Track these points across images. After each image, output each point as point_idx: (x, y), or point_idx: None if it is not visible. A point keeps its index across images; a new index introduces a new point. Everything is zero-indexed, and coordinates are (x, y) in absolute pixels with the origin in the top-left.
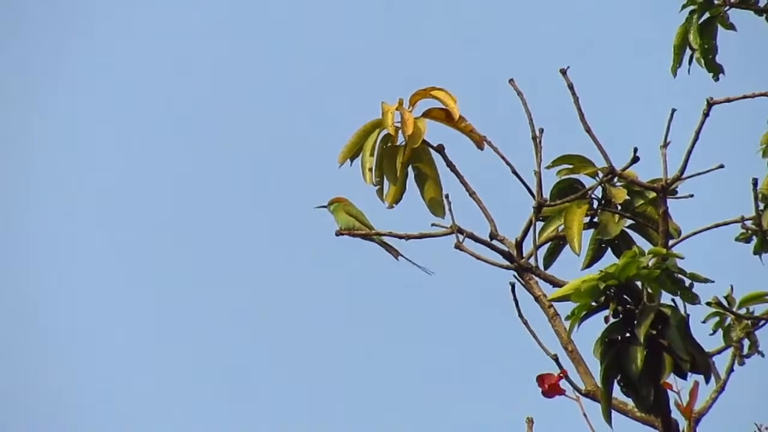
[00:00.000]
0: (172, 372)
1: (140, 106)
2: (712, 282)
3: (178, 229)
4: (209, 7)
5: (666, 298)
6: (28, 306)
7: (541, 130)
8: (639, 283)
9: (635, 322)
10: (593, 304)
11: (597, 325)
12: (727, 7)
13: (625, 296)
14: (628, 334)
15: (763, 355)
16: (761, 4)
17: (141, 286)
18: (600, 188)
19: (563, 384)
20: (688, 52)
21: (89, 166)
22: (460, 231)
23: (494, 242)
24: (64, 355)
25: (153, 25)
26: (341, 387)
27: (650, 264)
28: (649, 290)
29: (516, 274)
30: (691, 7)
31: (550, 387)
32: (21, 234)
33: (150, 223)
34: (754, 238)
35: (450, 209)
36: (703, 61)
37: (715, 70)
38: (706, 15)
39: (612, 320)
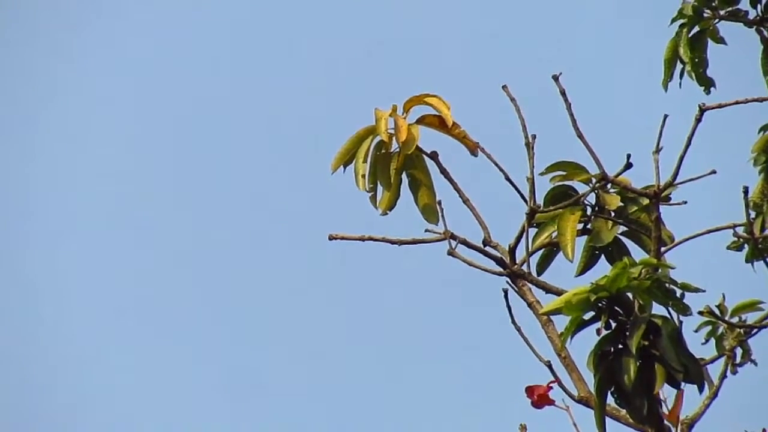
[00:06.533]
0: (171, 372)
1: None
2: (704, 291)
3: (174, 229)
4: (203, 10)
5: (659, 308)
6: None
7: (534, 137)
8: (630, 295)
9: (627, 333)
10: (585, 317)
11: (592, 330)
12: (717, 20)
13: (616, 308)
14: (620, 346)
15: (756, 364)
16: (751, 17)
17: (140, 287)
18: (593, 195)
19: (553, 393)
20: (679, 65)
21: (88, 166)
22: (453, 237)
23: (487, 248)
24: (62, 356)
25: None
26: (333, 393)
27: (641, 275)
28: (641, 301)
29: (509, 280)
30: (681, 21)
31: (539, 398)
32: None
33: (148, 224)
34: (746, 246)
35: (443, 215)
36: (693, 75)
37: (707, 83)
38: (696, 28)
39: (604, 332)
